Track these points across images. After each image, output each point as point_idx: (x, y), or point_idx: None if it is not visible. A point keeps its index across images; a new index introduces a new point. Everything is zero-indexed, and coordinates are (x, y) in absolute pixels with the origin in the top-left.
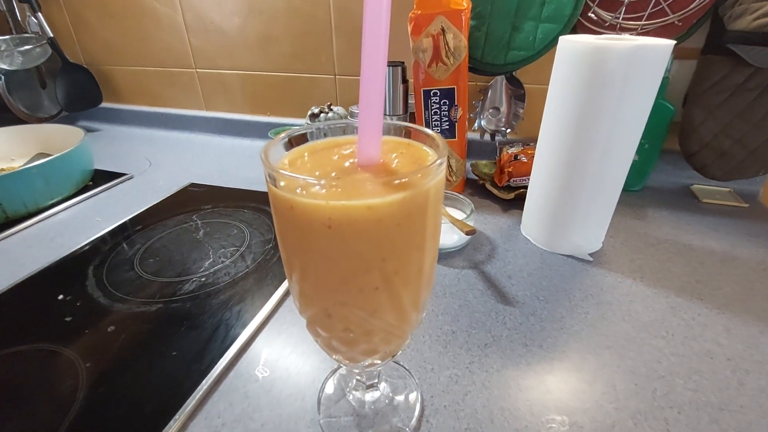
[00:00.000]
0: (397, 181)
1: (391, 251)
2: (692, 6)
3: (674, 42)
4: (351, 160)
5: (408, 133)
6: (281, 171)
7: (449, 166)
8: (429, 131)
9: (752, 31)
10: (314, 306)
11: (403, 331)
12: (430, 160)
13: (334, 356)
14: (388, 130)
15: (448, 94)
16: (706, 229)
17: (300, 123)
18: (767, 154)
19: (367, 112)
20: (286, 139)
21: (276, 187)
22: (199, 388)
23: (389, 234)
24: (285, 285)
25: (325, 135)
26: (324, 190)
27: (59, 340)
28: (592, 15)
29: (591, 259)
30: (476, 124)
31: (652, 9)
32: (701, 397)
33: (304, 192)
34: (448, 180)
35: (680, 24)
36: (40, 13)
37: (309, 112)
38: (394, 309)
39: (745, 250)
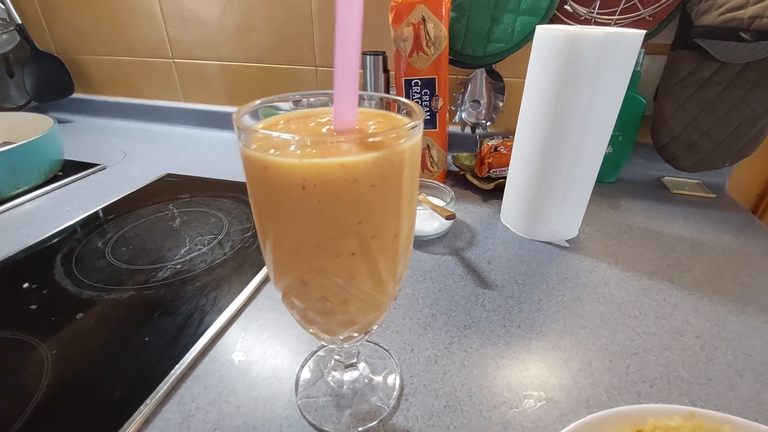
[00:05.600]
0: (371, 140)
1: (367, 214)
2: (662, 2)
3: (644, 32)
4: (327, 127)
5: (384, 104)
6: (254, 129)
7: (431, 156)
8: (404, 99)
9: (717, 26)
10: (290, 274)
11: (380, 301)
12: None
13: (310, 329)
14: (365, 102)
15: (429, 84)
16: (676, 217)
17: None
18: (732, 146)
19: (343, 77)
20: (262, 106)
21: (248, 149)
22: (172, 372)
23: (364, 195)
24: (263, 272)
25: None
26: (298, 150)
27: (23, 328)
28: (568, 8)
29: (567, 245)
30: (457, 117)
31: (624, 4)
32: (672, 372)
33: (278, 152)
34: (429, 170)
35: (651, 19)
36: None
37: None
38: (371, 276)
39: (713, 236)
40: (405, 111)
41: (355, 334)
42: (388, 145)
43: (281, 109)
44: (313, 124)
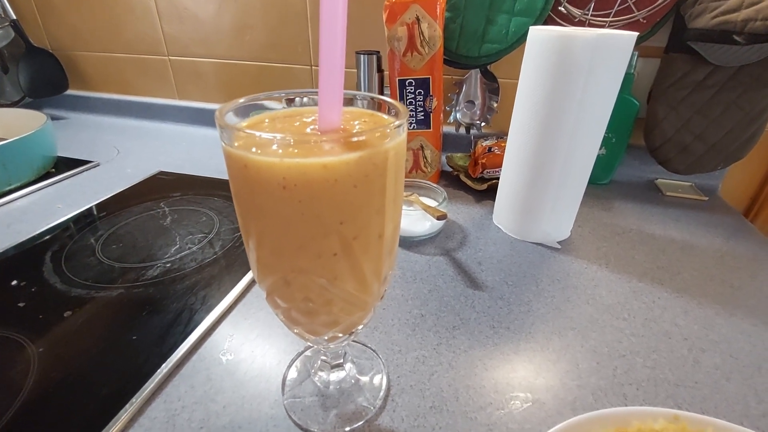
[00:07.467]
0: (354, 139)
1: (349, 214)
2: (656, 4)
3: (636, 34)
4: (312, 127)
5: (372, 103)
6: (237, 127)
7: (424, 156)
8: (390, 99)
9: (711, 29)
10: (272, 274)
11: (364, 301)
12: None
13: (295, 330)
14: (352, 102)
15: (423, 84)
16: (668, 220)
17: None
18: (725, 149)
19: (328, 76)
20: (246, 104)
21: (231, 147)
22: (158, 371)
23: (347, 195)
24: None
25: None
26: (280, 150)
27: (10, 325)
28: (563, 9)
29: (559, 246)
30: (452, 117)
31: (618, 6)
32: (659, 374)
33: (259, 151)
34: (422, 170)
35: (645, 22)
36: None
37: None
38: (354, 277)
39: (704, 239)
40: (392, 111)
41: (340, 335)
42: (371, 145)
43: (267, 108)
44: (298, 123)
